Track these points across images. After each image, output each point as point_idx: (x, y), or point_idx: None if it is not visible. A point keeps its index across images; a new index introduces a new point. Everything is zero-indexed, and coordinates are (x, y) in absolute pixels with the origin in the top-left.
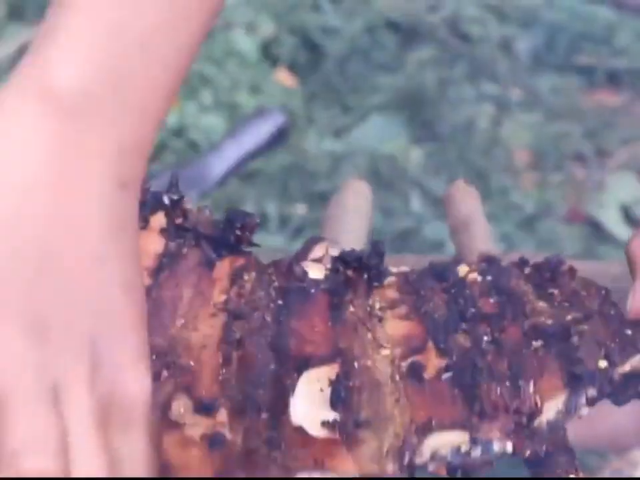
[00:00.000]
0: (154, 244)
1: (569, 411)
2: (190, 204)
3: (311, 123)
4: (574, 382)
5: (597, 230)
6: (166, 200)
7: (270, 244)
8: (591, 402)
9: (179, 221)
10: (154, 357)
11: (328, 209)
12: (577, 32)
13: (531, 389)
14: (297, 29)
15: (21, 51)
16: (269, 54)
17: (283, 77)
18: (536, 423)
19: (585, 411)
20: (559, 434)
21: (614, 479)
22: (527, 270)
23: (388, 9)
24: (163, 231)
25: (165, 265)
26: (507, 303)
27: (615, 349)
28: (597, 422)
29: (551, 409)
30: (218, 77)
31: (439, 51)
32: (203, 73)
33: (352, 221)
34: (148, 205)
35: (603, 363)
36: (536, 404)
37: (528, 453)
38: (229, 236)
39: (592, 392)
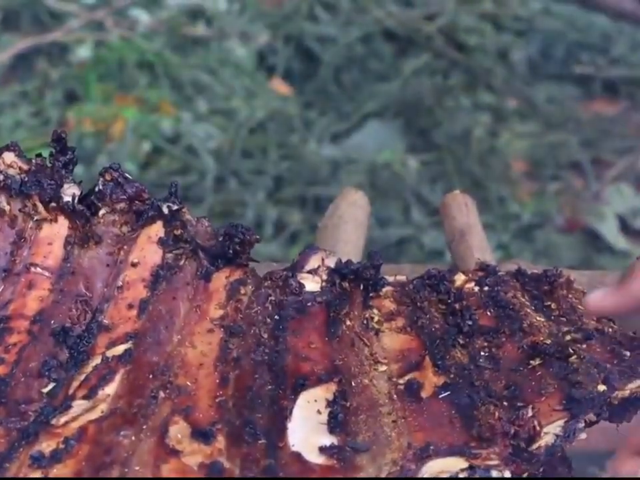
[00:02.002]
0: (152, 255)
1: (568, 435)
2: (189, 214)
3: (308, 129)
4: (574, 406)
5: (594, 240)
6: (165, 209)
7: (265, 252)
8: (588, 425)
9: (177, 231)
10: (150, 376)
11: (324, 219)
12: (574, 41)
13: (530, 412)
14: (292, 38)
15: (16, 60)
16: (264, 63)
17: (278, 86)
18: (534, 446)
19: (583, 435)
20: (556, 455)
21: (614, 478)
22: (525, 281)
23: (384, 17)
24: (160, 242)
25: (162, 276)
26: (504, 316)
27: (614, 373)
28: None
29: (550, 434)
30: (213, 86)
31: (435, 60)
32: (199, 82)
33: (349, 231)
34: (146, 214)
35: (601, 387)
36: (534, 428)
37: (525, 475)
38: (228, 248)
39: (591, 416)
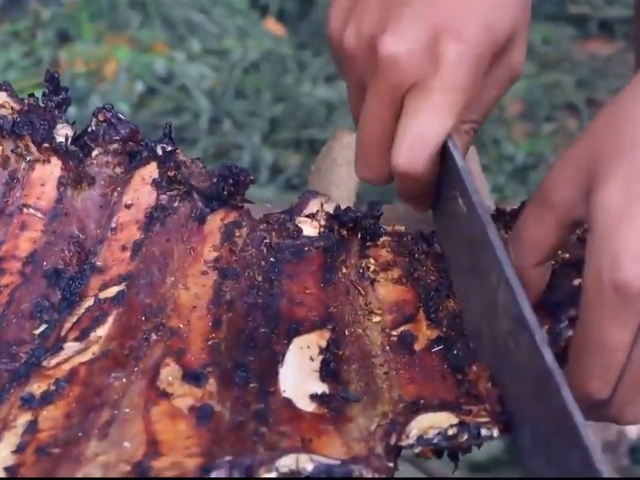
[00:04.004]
0: (146, 196)
1: (555, 337)
2: (183, 155)
3: (302, 70)
4: (553, 309)
5: None
6: (159, 150)
7: (261, 197)
8: (572, 322)
9: (171, 173)
10: (143, 318)
11: (317, 162)
12: None
13: None
14: None
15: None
16: (257, 3)
17: (272, 26)
18: None
19: (570, 332)
20: None
21: (617, 479)
22: (506, 220)
23: None
24: (154, 183)
25: (156, 218)
26: None
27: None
28: None
29: None
30: (206, 25)
31: None
32: (191, 21)
33: (342, 174)
34: (140, 155)
35: (577, 281)
36: None
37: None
38: (222, 190)
39: (572, 312)
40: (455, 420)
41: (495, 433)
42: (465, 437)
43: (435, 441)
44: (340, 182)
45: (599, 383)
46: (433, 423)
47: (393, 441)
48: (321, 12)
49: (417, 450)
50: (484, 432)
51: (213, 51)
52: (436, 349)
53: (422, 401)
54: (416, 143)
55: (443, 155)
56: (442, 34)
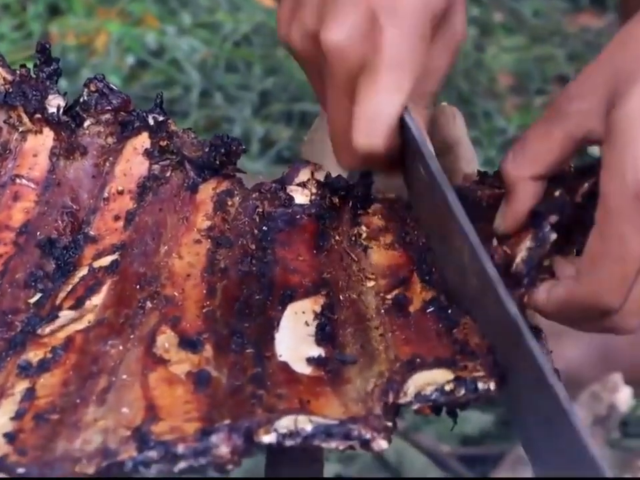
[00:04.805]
0: (138, 166)
1: (539, 244)
2: (174, 126)
3: None
4: (534, 220)
5: (579, 152)
6: (151, 120)
7: (252, 169)
8: (557, 227)
9: (163, 142)
10: (137, 287)
11: (310, 132)
12: None
13: (500, 248)
14: None
15: None
16: None
17: None
18: (513, 268)
19: (554, 235)
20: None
21: (617, 478)
22: (491, 183)
23: None
24: (146, 153)
25: (148, 188)
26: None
27: (569, 176)
28: (554, 359)
29: (523, 250)
30: None
31: None
32: None
33: None
34: (132, 125)
35: (557, 192)
36: (505, 252)
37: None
38: (214, 159)
39: (554, 218)
40: (451, 376)
41: (492, 386)
42: (462, 391)
43: (433, 397)
44: (333, 153)
45: (615, 292)
46: (430, 379)
47: (390, 399)
48: None
49: (415, 407)
50: (480, 385)
51: (204, 24)
52: (430, 309)
53: (418, 360)
54: (370, 124)
55: (403, 128)
56: (377, 13)
